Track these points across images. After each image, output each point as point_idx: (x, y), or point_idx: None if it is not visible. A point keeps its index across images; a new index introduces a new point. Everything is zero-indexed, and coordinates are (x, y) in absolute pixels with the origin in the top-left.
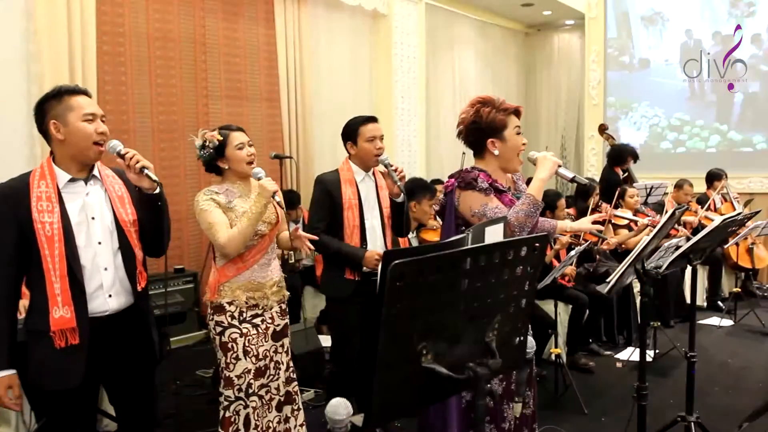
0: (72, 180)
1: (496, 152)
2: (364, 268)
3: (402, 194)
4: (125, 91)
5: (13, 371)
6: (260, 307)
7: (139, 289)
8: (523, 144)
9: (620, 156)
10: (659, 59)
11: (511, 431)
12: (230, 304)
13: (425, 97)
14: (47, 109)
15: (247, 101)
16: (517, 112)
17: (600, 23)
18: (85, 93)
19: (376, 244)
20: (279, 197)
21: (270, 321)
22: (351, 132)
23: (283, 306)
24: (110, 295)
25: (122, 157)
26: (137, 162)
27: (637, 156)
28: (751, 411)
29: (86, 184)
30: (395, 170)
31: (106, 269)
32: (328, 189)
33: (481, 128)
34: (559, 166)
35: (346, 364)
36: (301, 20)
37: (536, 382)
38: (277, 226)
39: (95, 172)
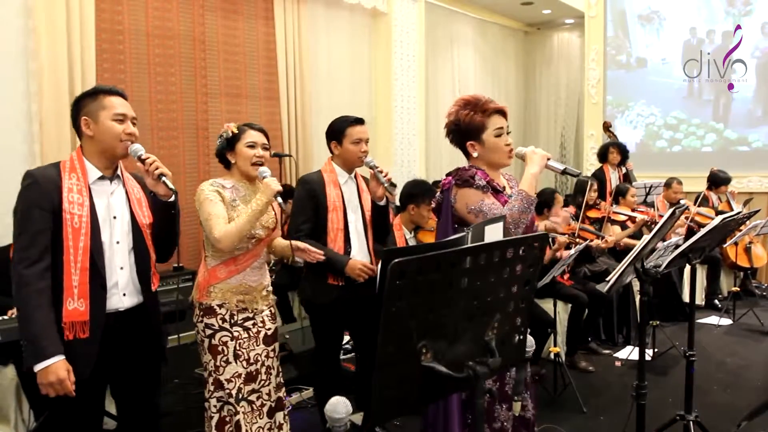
0: (101, 177)
1: (476, 154)
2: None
3: (386, 198)
4: (124, 88)
5: (64, 356)
6: (250, 311)
7: (153, 289)
8: (507, 145)
9: (603, 153)
10: (656, 58)
11: (504, 431)
12: (220, 306)
13: (425, 95)
14: (82, 105)
15: (246, 99)
16: (500, 112)
17: (600, 22)
18: (121, 95)
19: (360, 247)
20: (281, 199)
21: (261, 325)
22: (337, 132)
23: (273, 310)
24: (124, 294)
25: (142, 161)
26: (156, 168)
27: (623, 149)
28: (749, 410)
29: (111, 182)
30: (381, 172)
31: (122, 268)
32: (312, 190)
33: (460, 130)
34: (548, 158)
35: (329, 366)
36: (301, 18)
37: (534, 384)
38: (273, 232)
39: (119, 172)
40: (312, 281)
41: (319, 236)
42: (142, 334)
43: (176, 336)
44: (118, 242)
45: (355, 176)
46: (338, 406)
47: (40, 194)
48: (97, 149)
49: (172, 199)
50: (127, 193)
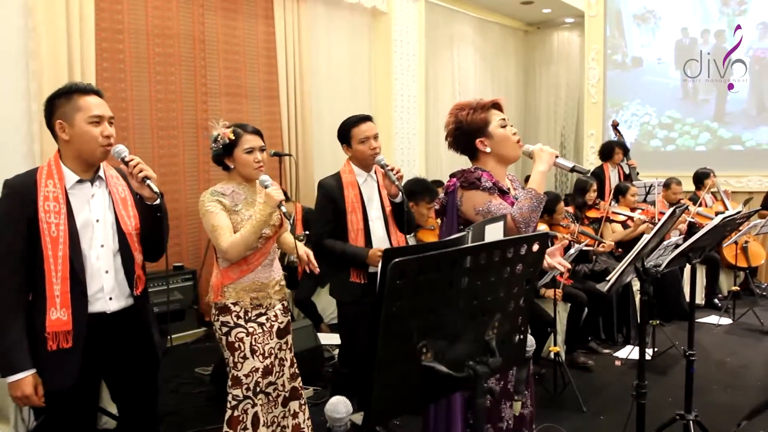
0: (79, 181)
1: (488, 150)
2: (370, 268)
3: (400, 194)
4: (124, 88)
5: (34, 370)
6: (263, 307)
7: (136, 293)
8: (514, 134)
9: (606, 152)
10: (652, 58)
11: (509, 431)
12: (235, 304)
13: (425, 95)
14: (56, 106)
15: (246, 99)
16: (496, 106)
17: (600, 21)
18: (96, 93)
19: (382, 244)
20: (285, 207)
21: (274, 319)
22: (344, 134)
23: (285, 303)
24: (111, 298)
25: (126, 163)
26: (140, 171)
27: (625, 148)
28: (749, 409)
29: (92, 185)
30: (392, 170)
31: (107, 272)
32: (330, 194)
33: (465, 132)
34: (557, 156)
35: (354, 366)
36: (301, 17)
37: (534, 382)
38: (281, 229)
39: (100, 173)
40: (336, 280)
41: (341, 236)
42: (134, 336)
43: (177, 335)
44: (102, 246)
45: (375, 173)
46: (338, 405)
47: (16, 205)
48: (74, 153)
49: (158, 202)
50: (110, 193)
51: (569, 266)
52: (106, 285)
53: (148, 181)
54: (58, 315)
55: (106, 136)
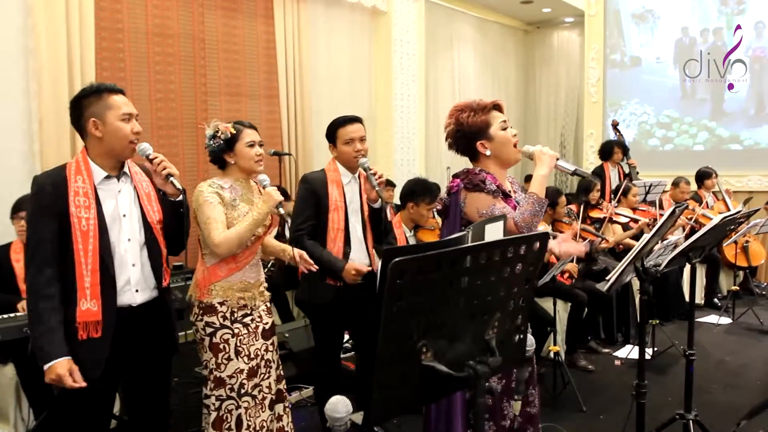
0: (106, 177)
1: (488, 152)
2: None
3: (379, 200)
4: (123, 87)
5: (69, 357)
6: (249, 307)
7: (164, 284)
8: (514, 135)
9: (605, 151)
10: (650, 57)
11: (512, 429)
12: (222, 304)
13: (425, 94)
14: (86, 105)
15: (245, 98)
16: (497, 107)
17: (600, 21)
18: (122, 92)
19: (359, 248)
20: (282, 209)
21: (259, 320)
22: (330, 134)
23: (268, 305)
24: (137, 290)
25: (150, 161)
26: (164, 168)
27: (625, 147)
28: (749, 409)
29: (118, 181)
30: (374, 174)
31: (134, 265)
32: (314, 189)
33: (466, 134)
34: (557, 158)
35: (329, 365)
36: (301, 17)
37: (538, 381)
38: (270, 229)
39: (125, 169)
40: (311, 281)
41: (320, 234)
42: (156, 329)
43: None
44: (129, 239)
45: (359, 176)
46: (338, 405)
47: (45, 201)
48: (103, 150)
49: (180, 198)
50: (136, 189)
51: (597, 238)
52: (132, 277)
53: (171, 178)
54: (88, 306)
55: (136, 132)
